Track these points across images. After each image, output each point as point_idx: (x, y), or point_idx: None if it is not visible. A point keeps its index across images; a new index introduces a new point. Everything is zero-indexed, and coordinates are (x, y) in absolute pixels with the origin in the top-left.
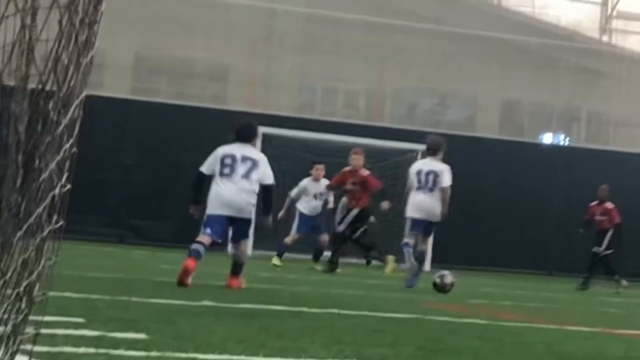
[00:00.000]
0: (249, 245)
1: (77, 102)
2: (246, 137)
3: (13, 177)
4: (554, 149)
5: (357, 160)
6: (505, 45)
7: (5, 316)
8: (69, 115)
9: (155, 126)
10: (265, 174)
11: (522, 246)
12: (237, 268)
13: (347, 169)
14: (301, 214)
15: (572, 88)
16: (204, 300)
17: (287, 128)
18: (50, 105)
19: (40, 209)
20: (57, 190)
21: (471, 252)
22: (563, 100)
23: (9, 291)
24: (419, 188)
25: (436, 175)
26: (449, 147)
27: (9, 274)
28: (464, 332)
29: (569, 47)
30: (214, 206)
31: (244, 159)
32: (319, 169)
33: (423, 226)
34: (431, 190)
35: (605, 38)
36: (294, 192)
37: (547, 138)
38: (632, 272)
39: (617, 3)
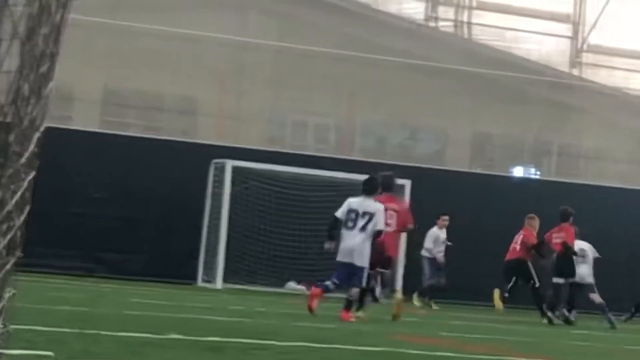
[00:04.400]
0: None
1: (37, 134)
2: (369, 191)
3: None
4: (525, 182)
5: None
6: (475, 79)
7: None
8: (30, 148)
9: (125, 159)
10: (377, 222)
11: (493, 279)
12: (348, 304)
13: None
14: (433, 260)
15: (542, 121)
16: (171, 333)
17: (257, 161)
18: (12, 137)
19: (5, 241)
20: (18, 222)
21: None
22: (534, 133)
23: None
24: None
25: None
26: (418, 181)
27: None
28: None
29: (539, 80)
30: (341, 254)
31: (364, 214)
32: (446, 220)
33: None
34: None
35: (575, 72)
36: (431, 244)
37: (518, 171)
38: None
39: (587, 37)
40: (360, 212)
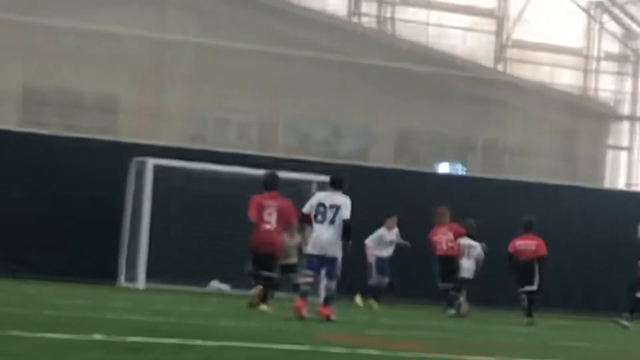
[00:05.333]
0: (333, 283)
1: None
2: (337, 185)
3: None
4: (450, 178)
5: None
6: (399, 75)
7: None
8: None
9: (45, 158)
10: (345, 213)
11: (421, 276)
12: (328, 300)
13: None
14: (380, 259)
15: (467, 117)
16: (94, 334)
17: (179, 159)
18: None
19: None
20: None
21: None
22: (458, 129)
23: None
24: None
25: None
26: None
27: None
28: None
29: (463, 76)
30: (312, 247)
31: (332, 206)
32: (393, 220)
33: None
34: None
35: (500, 67)
36: (370, 242)
37: (443, 167)
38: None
39: (511, 32)
40: (328, 205)
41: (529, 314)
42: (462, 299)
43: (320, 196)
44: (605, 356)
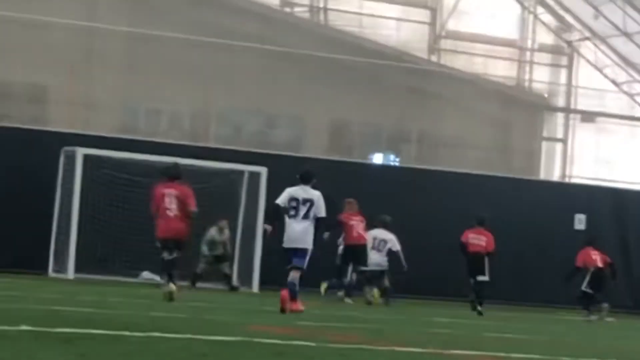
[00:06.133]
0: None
1: None
2: (307, 180)
3: None
4: (384, 169)
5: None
6: (333, 65)
7: None
8: None
9: None
10: (318, 208)
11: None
12: (293, 293)
13: None
14: None
15: (401, 108)
16: (22, 325)
17: (109, 149)
18: None
19: None
20: None
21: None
22: (393, 120)
23: None
24: None
25: None
26: (275, 169)
27: None
28: (292, 355)
29: (397, 67)
30: (286, 242)
31: (305, 201)
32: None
33: None
34: None
35: (434, 58)
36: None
37: (377, 158)
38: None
39: (445, 23)
40: (301, 199)
41: (480, 303)
42: (369, 288)
43: (291, 191)
44: (538, 347)
